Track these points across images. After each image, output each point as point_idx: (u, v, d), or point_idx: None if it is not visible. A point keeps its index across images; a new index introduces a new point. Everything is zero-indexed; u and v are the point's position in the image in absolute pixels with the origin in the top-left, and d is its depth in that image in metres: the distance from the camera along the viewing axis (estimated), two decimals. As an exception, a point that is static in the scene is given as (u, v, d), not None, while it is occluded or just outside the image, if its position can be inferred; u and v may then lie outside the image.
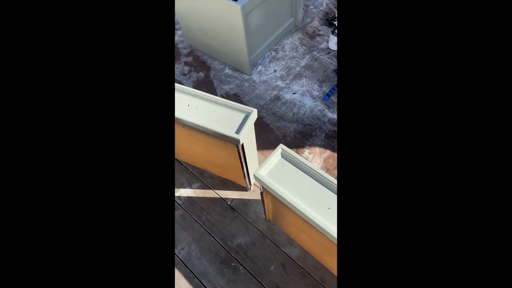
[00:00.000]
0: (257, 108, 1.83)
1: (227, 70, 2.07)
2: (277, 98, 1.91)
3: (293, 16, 2.23)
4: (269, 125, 1.79)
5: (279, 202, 1.11)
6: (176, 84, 1.36)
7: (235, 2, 1.58)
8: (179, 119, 1.26)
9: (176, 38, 2.30)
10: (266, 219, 1.44)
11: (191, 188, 1.58)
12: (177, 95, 1.32)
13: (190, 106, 1.27)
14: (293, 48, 2.15)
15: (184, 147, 1.54)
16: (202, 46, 2.16)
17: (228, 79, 2.02)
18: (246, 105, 1.84)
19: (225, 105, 1.28)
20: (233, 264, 1.35)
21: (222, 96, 1.91)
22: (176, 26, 2.39)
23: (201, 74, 2.07)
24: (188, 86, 1.98)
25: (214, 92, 1.94)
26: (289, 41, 2.18)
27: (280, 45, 2.16)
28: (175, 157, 1.65)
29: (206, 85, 1.99)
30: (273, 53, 2.14)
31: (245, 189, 1.55)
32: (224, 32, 1.83)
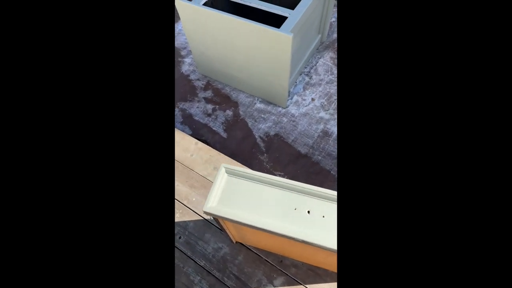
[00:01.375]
0: (306, 150, 1.56)
1: (258, 105, 1.75)
2: (326, 133, 1.65)
3: (320, 33, 1.99)
4: (330, 171, 1.51)
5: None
6: (268, 176, 0.86)
7: (279, 30, 1.29)
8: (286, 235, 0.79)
9: (185, 68, 1.94)
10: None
11: (274, 286, 1.08)
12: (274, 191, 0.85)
13: (298, 209, 0.82)
14: (327, 70, 1.90)
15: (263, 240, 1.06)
16: (223, 77, 1.83)
17: (263, 116, 1.71)
18: (292, 146, 1.56)
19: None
20: None
21: (261, 138, 1.61)
22: (182, 53, 2.04)
23: (229, 113, 1.74)
24: (217, 128, 1.65)
25: (250, 134, 1.62)
26: (320, 62, 1.92)
27: (312, 68, 1.89)
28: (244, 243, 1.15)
29: (239, 126, 1.66)
30: (306, 78, 1.87)
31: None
32: (260, 63, 1.52)
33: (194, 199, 1.23)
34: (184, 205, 1.23)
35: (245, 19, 1.35)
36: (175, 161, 1.35)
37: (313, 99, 1.78)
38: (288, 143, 1.59)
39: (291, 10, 1.41)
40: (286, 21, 1.37)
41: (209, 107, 1.76)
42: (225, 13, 1.38)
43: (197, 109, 1.76)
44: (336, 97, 1.76)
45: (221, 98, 1.80)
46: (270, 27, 1.30)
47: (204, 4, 1.52)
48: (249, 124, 1.67)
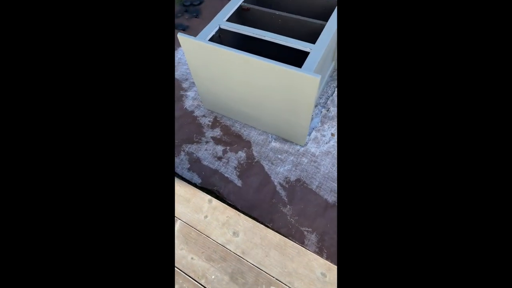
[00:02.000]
0: (334, 198, 1.23)
1: (273, 143, 1.56)
2: (352, 175, 1.48)
3: (334, 60, 1.85)
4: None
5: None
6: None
7: (304, 71, 1.12)
8: None
9: (189, 103, 1.76)
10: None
11: None
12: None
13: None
14: (345, 101, 1.75)
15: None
16: (232, 113, 1.65)
17: (279, 156, 1.53)
18: (317, 193, 1.37)
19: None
20: None
21: (281, 185, 1.41)
22: (184, 85, 1.86)
23: (242, 154, 1.55)
24: (230, 175, 1.45)
25: (268, 181, 1.42)
26: (337, 92, 1.78)
27: (328, 98, 1.73)
28: None
29: (255, 171, 1.46)
30: (323, 110, 1.71)
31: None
32: (278, 102, 1.35)
33: (213, 276, 1.04)
34: (203, 286, 1.03)
35: (263, 58, 1.18)
36: (187, 226, 1.16)
37: (333, 134, 1.62)
38: (313, 190, 1.41)
39: (312, 45, 1.26)
40: (309, 58, 1.21)
41: (219, 148, 1.58)
42: (238, 51, 1.22)
43: (205, 152, 1.57)
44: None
45: (232, 137, 1.62)
46: (294, 68, 1.13)
47: (211, 40, 1.37)
48: (266, 167, 1.49)
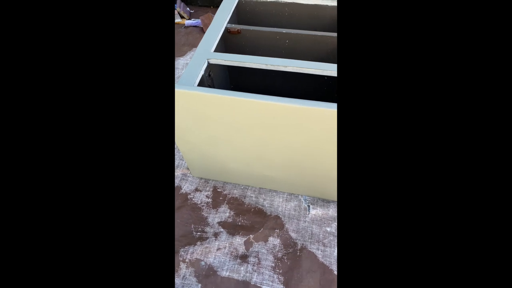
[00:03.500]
0: None
1: (312, 211, 1.06)
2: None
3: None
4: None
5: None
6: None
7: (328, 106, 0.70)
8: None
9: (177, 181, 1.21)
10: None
11: None
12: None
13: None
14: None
15: None
16: (241, 178, 1.15)
17: (329, 230, 1.02)
18: None
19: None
20: None
21: None
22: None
23: (275, 242, 0.99)
24: (273, 286, 0.90)
25: (332, 277, 0.91)
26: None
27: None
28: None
29: (307, 265, 0.93)
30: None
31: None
32: (319, 153, 0.89)
33: None
34: None
35: (290, 99, 0.74)
36: None
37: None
38: None
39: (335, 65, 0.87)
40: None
41: (238, 241, 1.03)
42: (255, 95, 0.76)
43: (219, 253, 1.00)
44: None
45: (250, 215, 1.09)
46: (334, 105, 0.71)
47: (200, 84, 0.88)
48: (319, 254, 0.99)
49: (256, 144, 0.94)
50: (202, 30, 2.02)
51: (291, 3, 1.15)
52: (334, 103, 0.76)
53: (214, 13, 2.14)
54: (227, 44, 1.13)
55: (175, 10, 2.05)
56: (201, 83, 0.89)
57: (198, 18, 2.06)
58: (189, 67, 0.87)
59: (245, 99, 0.77)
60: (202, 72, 0.87)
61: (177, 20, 2.04)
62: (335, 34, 1.02)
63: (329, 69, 0.85)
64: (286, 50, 1.09)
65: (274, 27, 1.23)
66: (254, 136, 0.90)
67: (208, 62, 0.91)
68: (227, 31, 1.07)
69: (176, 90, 0.77)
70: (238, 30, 1.06)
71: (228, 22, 1.08)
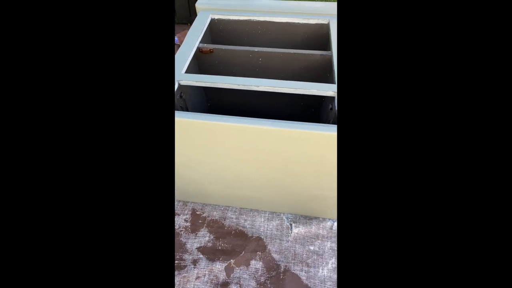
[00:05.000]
0: None
1: (295, 230, 1.03)
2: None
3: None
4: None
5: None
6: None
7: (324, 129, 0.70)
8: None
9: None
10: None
11: None
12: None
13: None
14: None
15: None
16: (221, 199, 1.11)
17: (312, 248, 0.99)
18: None
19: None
20: None
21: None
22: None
23: (257, 265, 0.95)
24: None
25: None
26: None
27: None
28: None
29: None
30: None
31: None
32: (303, 174, 0.88)
33: None
34: None
35: (284, 122, 0.72)
36: None
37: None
38: None
39: (332, 85, 0.87)
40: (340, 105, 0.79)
41: (219, 267, 0.98)
42: (236, 118, 0.74)
43: (198, 282, 0.92)
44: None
45: (230, 239, 1.05)
46: (329, 126, 0.71)
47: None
48: (302, 276, 0.96)
49: (234, 166, 0.91)
50: (179, 47, 2.02)
51: (263, 21, 1.16)
52: (313, 123, 0.75)
53: (191, 29, 2.15)
54: (200, 63, 1.12)
55: (151, 28, 2.04)
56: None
57: (176, 35, 2.05)
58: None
59: (218, 122, 0.75)
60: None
61: (154, 37, 2.03)
62: (306, 51, 1.03)
63: (322, 90, 0.85)
64: (259, 67, 1.09)
65: (247, 45, 1.24)
66: (232, 157, 0.87)
67: (179, 84, 0.89)
68: (199, 51, 1.06)
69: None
70: (210, 49, 1.05)
71: (201, 41, 1.07)
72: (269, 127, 0.73)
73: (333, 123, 0.82)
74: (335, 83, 0.86)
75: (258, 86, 0.86)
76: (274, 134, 0.75)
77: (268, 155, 0.83)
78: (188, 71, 0.96)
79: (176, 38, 2.01)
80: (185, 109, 1.01)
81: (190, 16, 2.24)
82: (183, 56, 0.97)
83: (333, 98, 0.84)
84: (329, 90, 0.83)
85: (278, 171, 0.89)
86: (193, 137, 0.82)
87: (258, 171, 0.91)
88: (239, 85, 0.87)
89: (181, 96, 0.92)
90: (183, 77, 0.89)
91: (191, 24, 2.23)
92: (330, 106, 0.89)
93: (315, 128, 0.72)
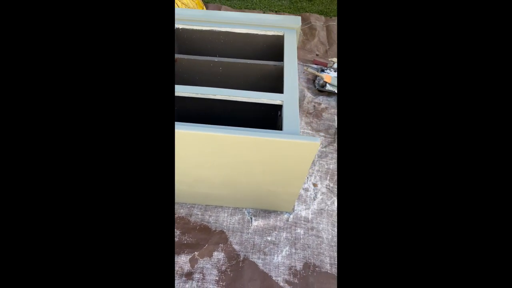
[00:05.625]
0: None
1: (254, 222, 1.15)
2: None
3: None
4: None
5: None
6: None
7: (297, 137, 0.82)
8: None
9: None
10: None
11: None
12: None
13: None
14: (311, 140, 1.53)
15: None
16: (187, 197, 1.20)
17: (270, 239, 1.12)
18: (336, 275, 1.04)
19: None
20: None
21: (287, 281, 1.01)
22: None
23: (220, 256, 1.06)
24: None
25: (271, 283, 1.01)
26: (298, 132, 1.55)
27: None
28: None
29: (248, 275, 1.01)
30: (294, 158, 1.44)
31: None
32: (260, 176, 0.99)
33: None
34: None
35: (236, 129, 0.82)
36: None
37: (315, 185, 1.37)
38: (329, 272, 1.09)
39: (281, 95, 0.97)
40: (286, 115, 0.89)
41: (184, 259, 1.06)
42: (194, 126, 0.82)
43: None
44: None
45: (196, 233, 1.13)
46: (278, 134, 0.80)
47: None
48: (259, 263, 1.07)
49: (196, 168, 1.00)
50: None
51: (225, 31, 1.25)
52: (262, 129, 0.86)
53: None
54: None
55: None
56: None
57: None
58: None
59: (178, 130, 0.83)
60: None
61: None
62: (261, 62, 1.14)
63: (271, 99, 0.95)
64: (221, 75, 1.18)
65: (210, 53, 1.32)
66: (193, 161, 0.96)
67: (142, 92, 0.96)
68: (163, 60, 1.13)
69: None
70: (175, 59, 1.12)
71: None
72: (224, 134, 0.83)
73: (280, 127, 0.93)
74: (283, 92, 0.97)
75: (215, 95, 0.95)
76: (229, 140, 0.85)
77: (226, 158, 0.93)
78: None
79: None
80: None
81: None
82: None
83: (280, 106, 0.96)
84: (277, 99, 0.95)
85: (236, 172, 1.00)
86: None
87: (218, 172, 1.01)
88: (197, 94, 0.95)
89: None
90: (146, 86, 0.96)
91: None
92: (279, 113, 1.00)
93: (264, 134, 0.83)
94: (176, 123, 0.86)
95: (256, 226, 1.17)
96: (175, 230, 1.14)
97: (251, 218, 1.19)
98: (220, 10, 2.55)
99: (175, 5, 2.02)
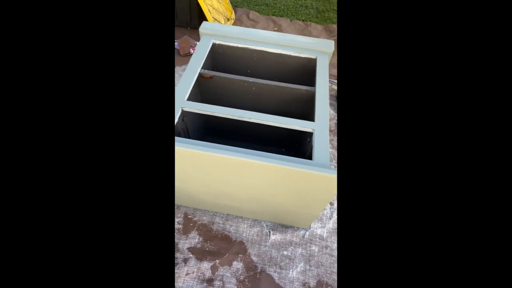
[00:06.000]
0: None
1: (272, 236, 1.22)
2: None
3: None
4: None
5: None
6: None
7: (322, 169, 0.87)
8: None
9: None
10: None
11: None
12: None
13: None
14: (330, 159, 1.57)
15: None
16: (211, 206, 1.27)
17: (286, 253, 1.18)
18: None
19: None
20: None
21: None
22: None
23: (238, 266, 1.13)
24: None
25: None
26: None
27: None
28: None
29: (265, 287, 1.10)
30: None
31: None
32: (282, 199, 1.05)
33: None
34: None
35: (264, 155, 0.88)
36: None
37: (331, 203, 1.41)
38: None
39: (312, 123, 1.01)
40: (317, 144, 0.93)
41: (205, 266, 1.14)
42: (224, 149, 0.89)
43: (187, 278, 1.09)
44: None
45: (217, 241, 1.21)
46: (308, 164, 0.86)
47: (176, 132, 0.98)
48: (275, 277, 1.14)
49: (222, 185, 1.06)
50: (178, 53, 2.10)
51: (259, 50, 1.29)
52: (288, 157, 0.91)
53: (191, 35, 2.22)
54: (201, 87, 1.24)
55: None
56: (176, 127, 1.00)
57: (175, 40, 2.12)
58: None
59: (216, 154, 0.89)
60: (176, 120, 0.98)
61: (154, 39, 2.09)
62: (293, 86, 1.18)
63: (302, 126, 1.00)
64: (253, 95, 1.23)
65: (242, 68, 1.37)
66: (220, 178, 1.02)
67: (182, 110, 1.02)
68: (200, 76, 1.18)
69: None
70: (210, 75, 1.17)
71: (203, 66, 1.19)
72: (252, 160, 0.89)
73: (309, 155, 0.98)
74: (314, 120, 1.01)
75: (250, 119, 1.00)
76: (256, 166, 0.91)
77: (255, 180, 0.99)
78: (191, 95, 1.09)
79: (176, 43, 2.08)
80: (186, 130, 1.14)
81: (191, 21, 2.31)
82: (187, 82, 1.09)
83: (311, 133, 1.00)
84: (309, 127, 0.99)
85: (262, 192, 1.05)
86: (189, 159, 0.96)
87: (242, 190, 1.07)
88: (233, 116, 1.01)
89: (183, 120, 1.05)
90: (186, 104, 1.02)
91: (191, 28, 2.31)
92: (308, 139, 1.05)
93: (295, 165, 0.88)
94: (205, 144, 0.92)
95: (274, 240, 1.23)
96: (198, 236, 1.21)
97: (269, 232, 1.25)
98: (248, 15, 2.58)
99: (208, 11, 2.05)
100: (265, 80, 1.19)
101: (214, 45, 1.30)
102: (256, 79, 1.18)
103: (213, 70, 1.36)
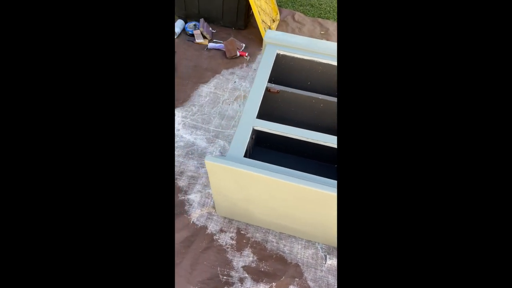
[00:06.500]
0: None
1: (329, 261, 1.16)
2: None
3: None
4: None
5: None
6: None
7: None
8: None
9: (195, 213, 1.24)
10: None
11: None
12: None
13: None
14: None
15: None
16: (263, 223, 1.23)
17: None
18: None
19: None
20: None
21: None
22: (181, 182, 1.32)
23: None
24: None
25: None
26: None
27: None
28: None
29: None
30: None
31: None
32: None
33: None
34: None
35: (323, 183, 0.80)
36: None
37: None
38: None
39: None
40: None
41: (262, 288, 1.13)
42: (288, 174, 0.84)
43: None
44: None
45: (272, 262, 1.17)
46: None
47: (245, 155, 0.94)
48: (334, 306, 1.11)
49: (277, 205, 1.02)
50: (224, 55, 2.05)
51: (325, 63, 1.22)
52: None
53: (236, 36, 2.16)
54: (266, 101, 1.19)
55: (198, 30, 2.06)
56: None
57: (221, 41, 2.08)
58: (236, 139, 0.94)
59: (281, 180, 0.85)
60: (246, 145, 0.93)
61: (200, 40, 2.06)
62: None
63: None
64: (318, 112, 1.16)
65: (303, 79, 1.30)
66: (276, 199, 0.98)
67: (253, 128, 0.97)
68: (267, 90, 1.13)
69: (223, 165, 0.85)
70: (277, 90, 1.12)
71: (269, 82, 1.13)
72: (307, 187, 0.84)
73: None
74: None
75: (326, 143, 0.94)
76: (310, 192, 0.85)
77: (310, 205, 0.93)
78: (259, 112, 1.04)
79: (221, 45, 2.03)
80: (251, 147, 1.09)
81: (237, 21, 2.25)
82: (256, 98, 1.04)
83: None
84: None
85: (315, 215, 1.00)
86: (246, 180, 0.92)
87: (297, 212, 1.02)
88: (307, 138, 0.95)
89: (252, 138, 1.01)
90: (257, 122, 0.97)
91: (235, 29, 2.25)
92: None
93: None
94: (263, 166, 0.87)
95: (330, 265, 1.18)
96: (252, 254, 1.18)
97: (325, 256, 1.20)
98: (294, 16, 2.47)
99: (258, 13, 1.98)
100: (335, 98, 1.12)
101: (278, 55, 1.24)
102: (325, 96, 1.11)
103: (271, 80, 1.31)
